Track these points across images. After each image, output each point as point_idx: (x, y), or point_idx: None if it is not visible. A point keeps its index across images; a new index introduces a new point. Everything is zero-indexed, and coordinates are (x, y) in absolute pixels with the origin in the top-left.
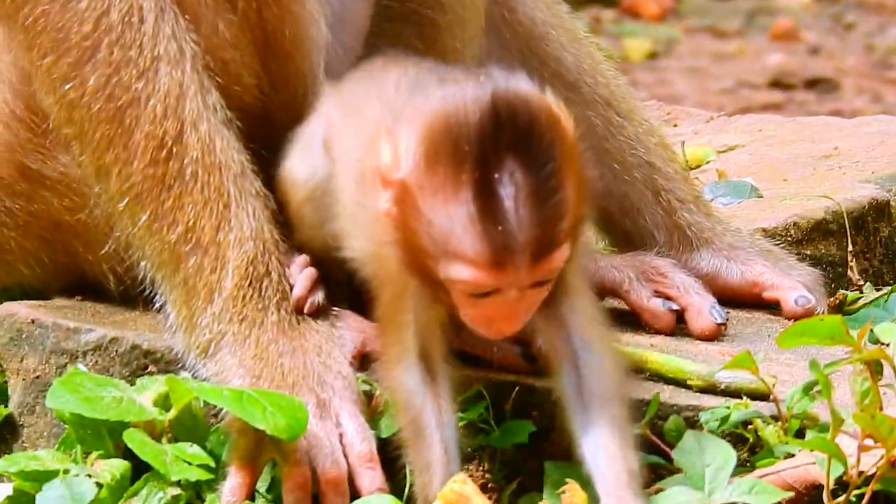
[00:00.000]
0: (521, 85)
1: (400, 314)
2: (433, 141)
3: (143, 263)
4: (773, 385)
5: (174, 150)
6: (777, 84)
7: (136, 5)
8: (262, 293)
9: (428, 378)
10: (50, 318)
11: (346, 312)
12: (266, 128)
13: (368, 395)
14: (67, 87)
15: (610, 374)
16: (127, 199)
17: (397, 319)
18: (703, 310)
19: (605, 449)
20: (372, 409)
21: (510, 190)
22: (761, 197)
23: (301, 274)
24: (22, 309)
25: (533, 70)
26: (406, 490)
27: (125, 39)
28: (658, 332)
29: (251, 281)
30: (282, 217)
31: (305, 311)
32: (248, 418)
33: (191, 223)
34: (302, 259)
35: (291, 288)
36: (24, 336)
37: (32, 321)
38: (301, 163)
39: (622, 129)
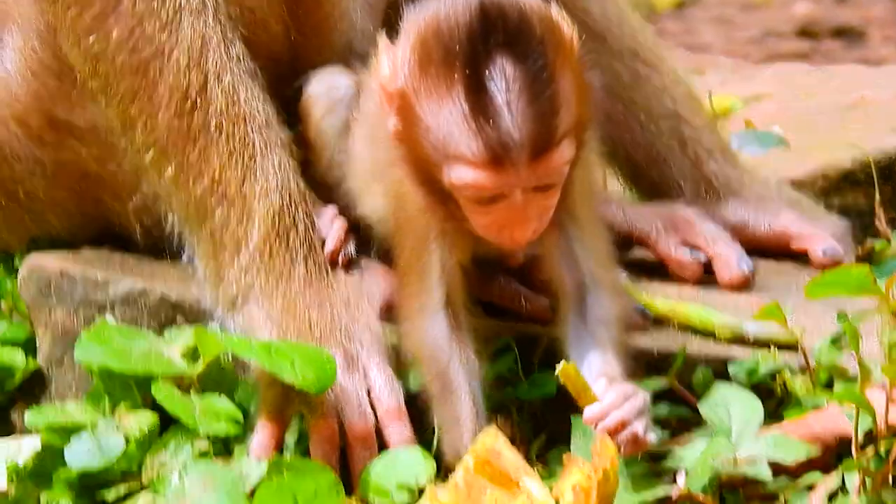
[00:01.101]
0: None
1: (423, 262)
2: (425, 45)
3: (170, 216)
4: (801, 336)
5: (198, 101)
6: (804, 33)
7: None
8: (289, 245)
9: (454, 328)
10: (78, 270)
11: (374, 263)
12: (296, 76)
13: (396, 348)
14: (91, 39)
15: (614, 312)
16: (152, 152)
17: (420, 268)
18: (731, 260)
19: (596, 351)
20: (400, 362)
21: (501, 85)
22: (788, 146)
23: (332, 226)
24: (50, 261)
25: None
26: (434, 444)
27: None
28: (685, 281)
29: (278, 233)
30: (310, 170)
31: (340, 263)
32: (276, 371)
33: (216, 175)
34: (331, 210)
35: (322, 241)
36: (52, 288)
37: (61, 273)
38: (323, 82)
39: (649, 79)
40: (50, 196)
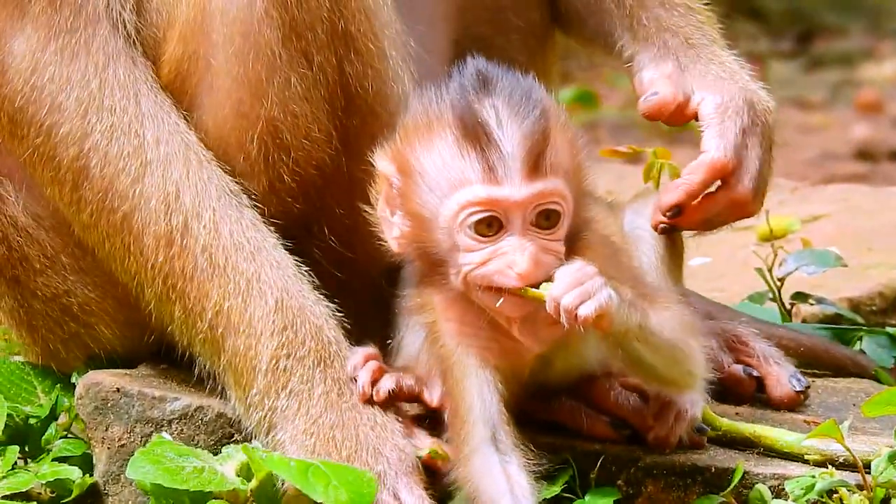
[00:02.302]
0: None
1: (464, 398)
2: (417, 114)
3: (195, 357)
4: (859, 454)
5: (184, 242)
6: (861, 155)
7: (115, 124)
8: (302, 362)
9: (501, 458)
10: (135, 387)
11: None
12: (339, 181)
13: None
14: (72, 210)
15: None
16: (157, 299)
17: (461, 402)
18: (783, 378)
19: None
20: (439, 480)
21: (492, 114)
22: (846, 266)
23: (365, 366)
24: (107, 378)
25: None
26: None
27: (111, 154)
28: (738, 398)
29: (287, 352)
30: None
31: (374, 402)
32: (310, 491)
33: (218, 308)
34: (364, 350)
35: (345, 359)
36: (109, 405)
37: (118, 390)
38: None
39: None
40: (102, 307)
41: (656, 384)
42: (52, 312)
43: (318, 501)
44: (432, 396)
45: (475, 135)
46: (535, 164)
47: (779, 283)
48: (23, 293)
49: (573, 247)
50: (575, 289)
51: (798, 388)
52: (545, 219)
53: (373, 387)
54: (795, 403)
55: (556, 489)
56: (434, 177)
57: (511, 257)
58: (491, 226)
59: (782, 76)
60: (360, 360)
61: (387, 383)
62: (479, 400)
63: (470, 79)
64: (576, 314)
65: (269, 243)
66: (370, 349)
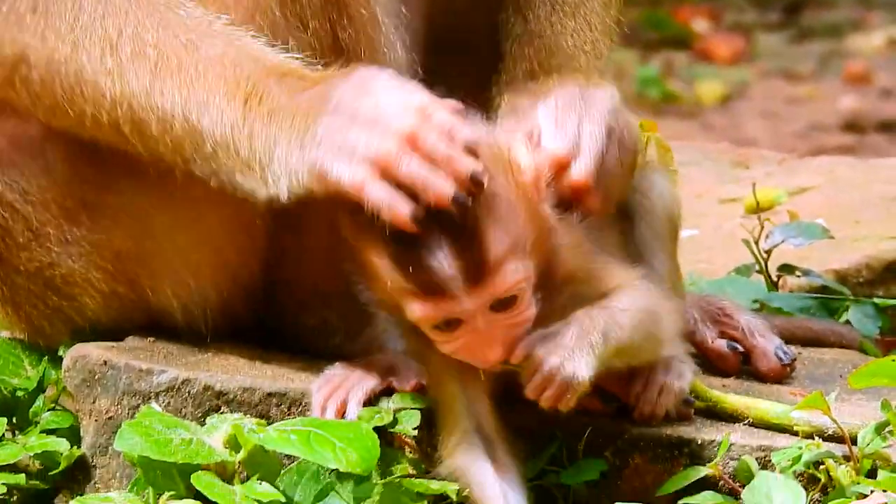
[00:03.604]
0: None
1: (443, 389)
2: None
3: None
4: (846, 426)
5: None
6: (849, 127)
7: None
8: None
9: (486, 446)
10: (122, 360)
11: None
12: None
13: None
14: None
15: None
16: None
17: (444, 398)
18: (769, 351)
19: None
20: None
21: (426, 227)
22: (833, 238)
23: (328, 409)
24: (94, 350)
25: None
26: None
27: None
28: (723, 373)
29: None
30: None
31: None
32: (320, 459)
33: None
34: (320, 396)
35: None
36: (96, 377)
37: (105, 362)
38: None
39: None
40: (86, 279)
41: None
42: (35, 287)
43: (330, 466)
44: (403, 384)
45: (411, 251)
46: (478, 271)
47: (765, 256)
48: (5, 269)
49: (545, 279)
50: (547, 388)
51: (785, 361)
52: (504, 306)
53: (341, 416)
54: (782, 376)
55: (543, 460)
56: (387, 279)
57: (479, 349)
58: (449, 324)
59: (770, 47)
60: (320, 402)
61: (352, 411)
62: (461, 391)
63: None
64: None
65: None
66: (325, 385)
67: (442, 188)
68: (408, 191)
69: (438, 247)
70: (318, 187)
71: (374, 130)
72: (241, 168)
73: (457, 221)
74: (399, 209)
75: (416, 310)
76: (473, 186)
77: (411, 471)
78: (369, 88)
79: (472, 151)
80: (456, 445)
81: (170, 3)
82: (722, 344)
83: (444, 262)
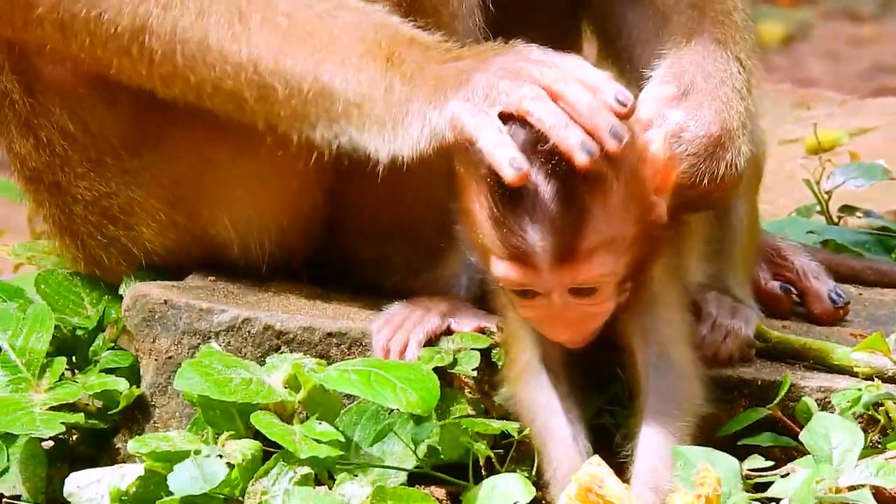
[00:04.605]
0: None
1: (516, 329)
2: (466, 165)
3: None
4: None
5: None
6: None
7: None
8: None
9: (555, 385)
10: (182, 299)
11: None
12: None
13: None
14: (146, 72)
15: (677, 386)
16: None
17: (515, 334)
18: (822, 294)
19: (642, 446)
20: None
21: (532, 189)
22: (893, 179)
23: (392, 351)
24: (154, 289)
25: None
26: (534, 472)
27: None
28: (776, 315)
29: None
30: None
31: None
32: (381, 400)
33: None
34: (379, 345)
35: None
36: (156, 317)
37: (165, 302)
38: None
39: None
40: (144, 208)
41: None
42: (92, 216)
43: (391, 406)
44: (463, 326)
45: (510, 212)
46: (566, 256)
47: (826, 196)
48: (63, 199)
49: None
50: None
51: (838, 304)
52: (584, 293)
53: (402, 356)
54: (835, 318)
55: (603, 399)
56: (480, 231)
57: (550, 326)
58: (527, 293)
59: None
60: (381, 345)
61: (412, 351)
62: (530, 330)
63: (520, 140)
64: None
65: None
66: (385, 326)
67: (569, 137)
68: (533, 139)
69: (538, 217)
70: (452, 136)
71: (515, 80)
72: (369, 126)
73: (565, 196)
74: (505, 156)
75: (499, 269)
76: (613, 141)
77: (470, 411)
78: (521, 55)
79: (622, 106)
80: (521, 373)
81: None
82: (775, 285)
83: (537, 233)
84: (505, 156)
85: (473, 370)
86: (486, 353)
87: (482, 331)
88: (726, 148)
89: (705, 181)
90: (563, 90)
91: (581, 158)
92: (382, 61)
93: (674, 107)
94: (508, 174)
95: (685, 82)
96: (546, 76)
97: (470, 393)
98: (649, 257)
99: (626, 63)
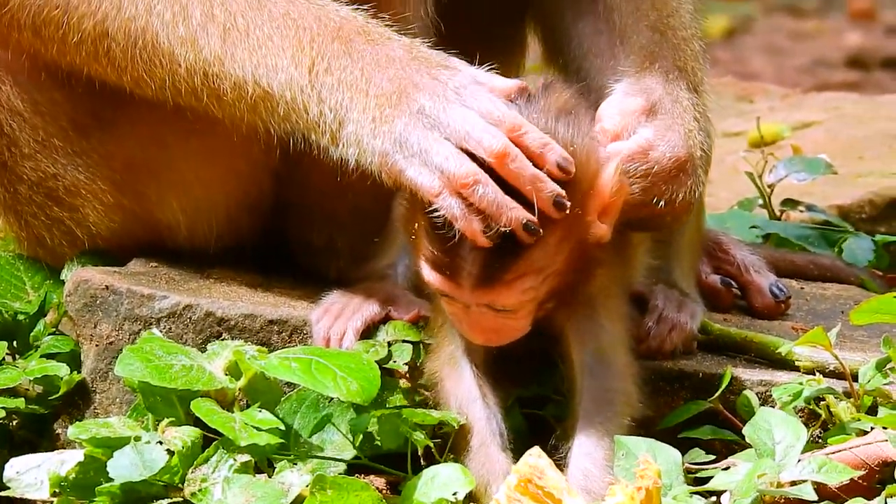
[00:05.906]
0: None
1: (442, 321)
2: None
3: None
4: (847, 362)
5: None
6: (854, 63)
7: None
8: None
9: (475, 375)
10: (124, 285)
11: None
12: None
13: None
14: (112, 71)
15: (612, 389)
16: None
17: (441, 325)
18: (763, 288)
19: (576, 448)
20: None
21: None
22: (836, 174)
23: (331, 341)
24: (96, 275)
25: None
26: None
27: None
28: (717, 309)
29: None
30: None
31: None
32: (321, 388)
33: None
34: (320, 334)
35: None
36: (97, 302)
37: (106, 287)
38: None
39: None
40: (90, 190)
41: None
42: (37, 196)
43: (330, 395)
44: (401, 314)
45: (444, 234)
46: (491, 280)
47: (769, 190)
48: (9, 177)
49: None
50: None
51: (780, 298)
52: (498, 310)
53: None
54: (776, 313)
55: (541, 390)
56: (415, 233)
57: (467, 328)
58: (450, 298)
59: None
60: (322, 335)
61: (349, 339)
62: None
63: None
64: None
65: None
66: (325, 316)
67: (516, 216)
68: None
69: (471, 245)
70: (387, 179)
71: (458, 146)
72: (313, 128)
73: (501, 236)
74: (473, 226)
75: (426, 272)
76: (555, 209)
77: (407, 402)
78: (458, 95)
79: (563, 171)
80: (444, 363)
81: None
82: (716, 279)
83: (467, 258)
84: (476, 227)
85: (405, 364)
86: (419, 346)
87: (419, 318)
88: (688, 174)
89: (662, 203)
90: (508, 160)
91: (525, 237)
92: (307, 70)
93: (643, 122)
94: (482, 241)
95: (653, 99)
96: (486, 143)
97: (405, 382)
98: (583, 276)
99: (573, 73)
